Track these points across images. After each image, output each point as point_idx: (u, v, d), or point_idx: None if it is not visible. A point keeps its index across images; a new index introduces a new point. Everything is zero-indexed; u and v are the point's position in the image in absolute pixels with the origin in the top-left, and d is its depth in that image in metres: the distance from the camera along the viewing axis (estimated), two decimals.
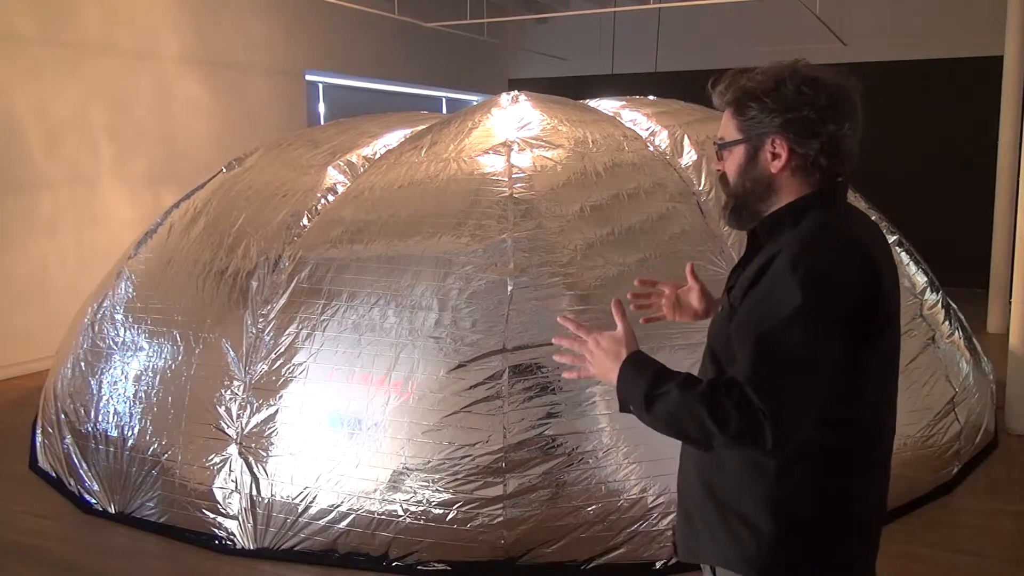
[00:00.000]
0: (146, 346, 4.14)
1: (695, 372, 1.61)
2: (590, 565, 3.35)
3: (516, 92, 4.93)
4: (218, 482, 3.67)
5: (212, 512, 3.66)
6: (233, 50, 8.38)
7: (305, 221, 4.19)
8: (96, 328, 4.38)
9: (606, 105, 5.30)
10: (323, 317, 3.75)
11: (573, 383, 3.43)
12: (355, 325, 3.69)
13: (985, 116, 8.19)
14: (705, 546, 1.67)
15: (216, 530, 3.64)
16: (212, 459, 3.70)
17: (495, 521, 3.34)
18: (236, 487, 3.63)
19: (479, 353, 3.50)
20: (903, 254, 4.76)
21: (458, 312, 3.60)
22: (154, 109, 7.58)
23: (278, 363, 3.73)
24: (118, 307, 4.37)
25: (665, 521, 3.34)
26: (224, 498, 3.65)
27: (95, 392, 4.19)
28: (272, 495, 3.57)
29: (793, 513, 1.56)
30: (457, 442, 3.41)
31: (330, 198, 4.31)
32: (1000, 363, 5.32)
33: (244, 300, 3.98)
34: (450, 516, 3.37)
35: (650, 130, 4.73)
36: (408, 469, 3.43)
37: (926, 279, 4.76)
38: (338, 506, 3.48)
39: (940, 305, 4.72)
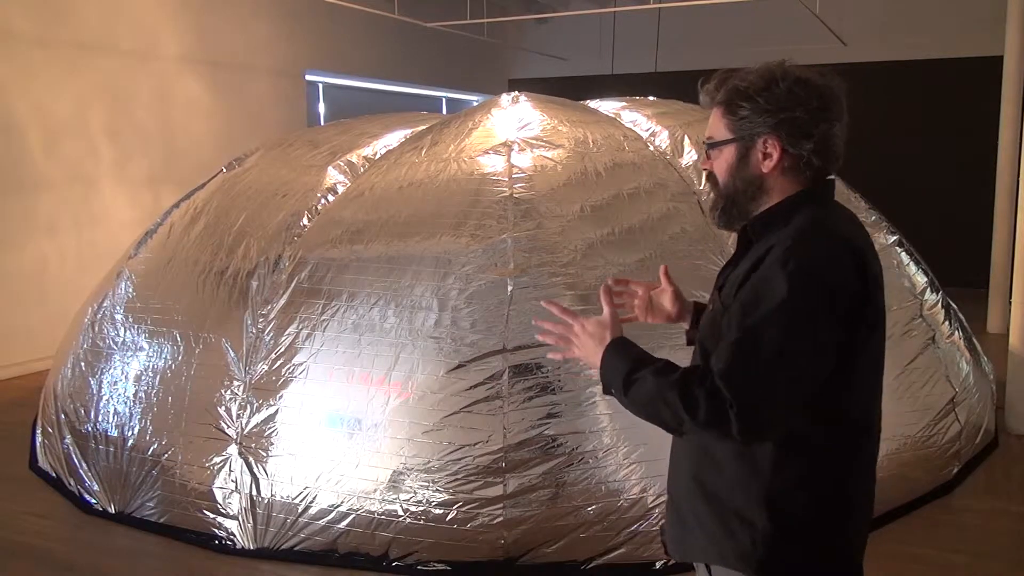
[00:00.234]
0: (146, 346, 4.14)
1: None
2: (590, 565, 3.35)
3: (516, 93, 4.93)
4: (218, 482, 3.67)
5: (212, 512, 3.66)
6: (233, 50, 8.38)
7: (305, 221, 4.19)
8: (96, 328, 4.38)
9: (606, 106, 5.30)
10: (323, 317, 3.75)
11: (573, 383, 3.43)
12: (355, 325, 3.69)
13: (985, 116, 8.19)
14: (698, 544, 1.68)
15: (216, 530, 3.64)
16: (212, 459, 3.70)
17: (495, 521, 3.34)
18: (236, 487, 3.63)
19: (479, 353, 3.50)
20: (903, 254, 4.76)
21: (458, 312, 3.61)
22: (154, 109, 7.58)
23: (278, 363, 3.73)
24: (118, 307, 4.37)
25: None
26: (224, 498, 3.65)
27: (95, 392, 4.19)
28: (272, 495, 3.57)
29: (788, 509, 1.57)
30: (457, 442, 3.41)
31: (330, 198, 4.31)
32: (1000, 363, 5.32)
33: (244, 300, 3.98)
34: (450, 516, 3.37)
35: (650, 130, 4.74)
36: (408, 469, 3.43)
37: (926, 279, 4.75)
38: (338, 506, 3.48)
39: (940, 305, 4.71)
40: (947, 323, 4.69)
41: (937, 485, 4.12)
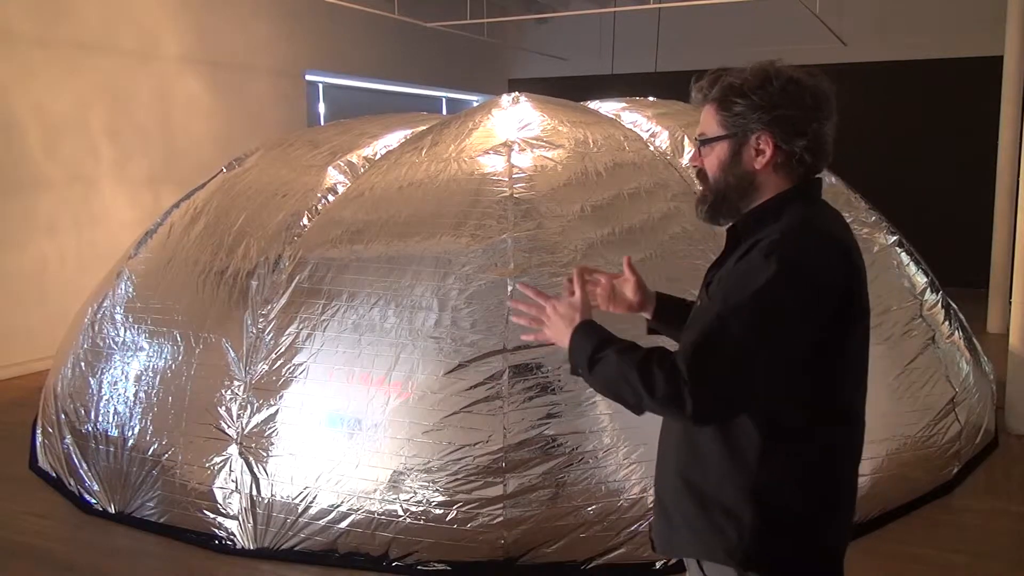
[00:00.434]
0: (146, 346, 4.14)
1: None
2: (590, 565, 3.35)
3: (516, 93, 4.93)
4: (218, 482, 3.67)
5: (212, 512, 3.66)
6: (233, 50, 8.38)
7: (305, 221, 4.19)
8: (96, 328, 4.38)
9: (607, 107, 5.30)
10: (323, 317, 3.76)
11: (573, 383, 3.43)
12: (355, 325, 3.69)
13: (985, 116, 8.19)
14: (685, 540, 1.69)
15: (216, 530, 3.65)
16: (212, 459, 3.70)
17: (495, 521, 3.34)
18: (236, 487, 3.63)
19: (479, 353, 3.50)
20: (903, 254, 4.75)
21: (458, 312, 3.61)
22: (154, 109, 7.58)
23: (278, 363, 3.73)
24: (118, 307, 4.37)
25: None
26: (224, 498, 3.65)
27: (95, 392, 4.19)
28: (272, 495, 3.57)
29: (774, 502, 1.59)
30: (457, 442, 3.41)
31: (330, 198, 4.31)
32: (1000, 363, 5.32)
33: (244, 300, 3.98)
34: (450, 516, 3.37)
35: (651, 131, 4.74)
36: (408, 469, 3.43)
37: (926, 279, 4.75)
38: (338, 506, 3.48)
39: (940, 305, 4.71)
40: (947, 323, 4.69)
41: (937, 485, 4.12)
